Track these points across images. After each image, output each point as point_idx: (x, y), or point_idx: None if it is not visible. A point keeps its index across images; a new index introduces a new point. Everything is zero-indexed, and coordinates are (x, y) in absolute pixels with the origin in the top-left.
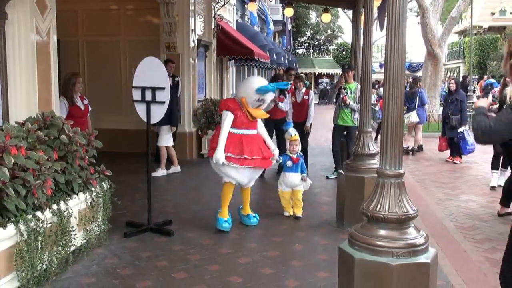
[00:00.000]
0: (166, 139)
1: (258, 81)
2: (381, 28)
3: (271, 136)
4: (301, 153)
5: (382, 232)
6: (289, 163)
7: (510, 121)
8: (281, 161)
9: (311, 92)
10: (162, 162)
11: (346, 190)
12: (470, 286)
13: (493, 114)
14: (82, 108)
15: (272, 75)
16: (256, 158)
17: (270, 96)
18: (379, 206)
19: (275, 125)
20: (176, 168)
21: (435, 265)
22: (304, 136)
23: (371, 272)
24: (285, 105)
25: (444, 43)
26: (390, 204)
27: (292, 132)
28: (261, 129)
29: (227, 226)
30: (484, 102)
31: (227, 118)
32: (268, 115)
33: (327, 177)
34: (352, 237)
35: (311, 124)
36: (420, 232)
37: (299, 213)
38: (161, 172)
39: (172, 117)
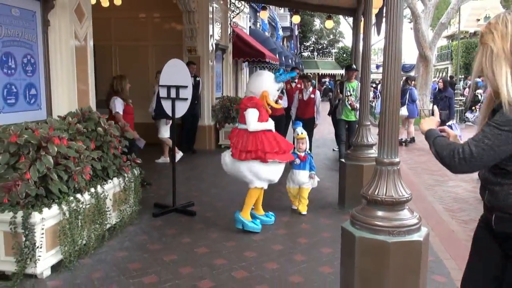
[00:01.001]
0: (163, 131)
1: (270, 74)
2: (378, 33)
3: None
4: (309, 151)
5: (380, 213)
6: (297, 160)
7: (499, 144)
8: None
9: (318, 92)
10: (164, 151)
11: (347, 177)
12: (457, 261)
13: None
14: (132, 106)
15: None
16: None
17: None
18: (377, 190)
19: (275, 122)
20: (165, 160)
21: (426, 242)
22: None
23: (370, 248)
24: (284, 102)
25: (434, 47)
26: (387, 188)
27: (299, 130)
28: None
29: (269, 220)
30: (431, 123)
31: (255, 114)
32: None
33: (333, 150)
34: (353, 218)
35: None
36: (413, 213)
37: (304, 211)
38: (163, 159)
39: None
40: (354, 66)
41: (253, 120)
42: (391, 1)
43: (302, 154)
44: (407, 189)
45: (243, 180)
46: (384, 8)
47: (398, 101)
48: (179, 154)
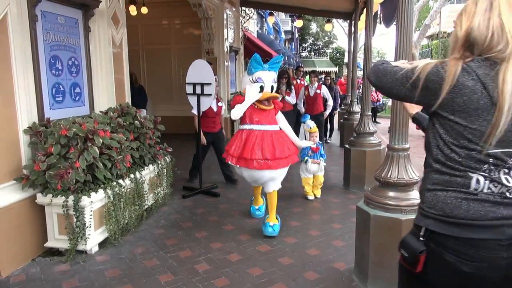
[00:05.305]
0: None
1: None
2: (373, 33)
3: None
4: (319, 142)
5: (392, 194)
6: (309, 152)
7: (399, 78)
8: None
9: (323, 86)
10: None
11: (351, 161)
12: None
13: None
14: (215, 109)
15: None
16: (259, 160)
17: (266, 74)
18: (389, 173)
19: (285, 117)
20: None
21: None
22: (319, 126)
23: (384, 225)
24: (292, 99)
25: (419, 45)
26: (399, 171)
27: (311, 124)
28: (283, 124)
29: (259, 214)
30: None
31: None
32: (277, 95)
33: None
34: (367, 198)
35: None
36: None
37: (319, 194)
38: None
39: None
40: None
41: (231, 112)
42: (402, 5)
43: (315, 146)
44: (416, 171)
45: None
46: (379, 11)
47: None
48: None
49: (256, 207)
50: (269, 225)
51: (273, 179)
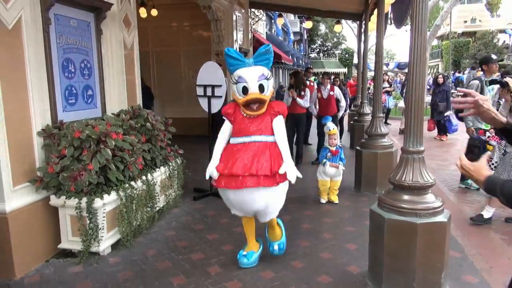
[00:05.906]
0: None
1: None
2: (398, 26)
3: (292, 131)
4: (339, 145)
5: (406, 197)
6: (328, 155)
7: None
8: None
9: (336, 88)
10: None
11: (362, 163)
12: (469, 238)
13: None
14: None
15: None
16: (250, 176)
17: (250, 71)
18: (404, 176)
19: (295, 120)
20: None
21: (449, 223)
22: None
23: (399, 229)
24: (305, 102)
25: (430, 46)
26: (414, 174)
27: (331, 126)
28: (279, 136)
29: (245, 262)
30: (483, 167)
31: (224, 126)
32: (263, 97)
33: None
34: (381, 201)
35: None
36: (437, 197)
37: (336, 200)
38: None
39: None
40: (494, 57)
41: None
42: (416, 6)
43: (334, 149)
44: (431, 174)
45: None
46: (389, 11)
47: (423, 97)
48: None
49: (244, 253)
50: (274, 245)
51: (267, 206)
